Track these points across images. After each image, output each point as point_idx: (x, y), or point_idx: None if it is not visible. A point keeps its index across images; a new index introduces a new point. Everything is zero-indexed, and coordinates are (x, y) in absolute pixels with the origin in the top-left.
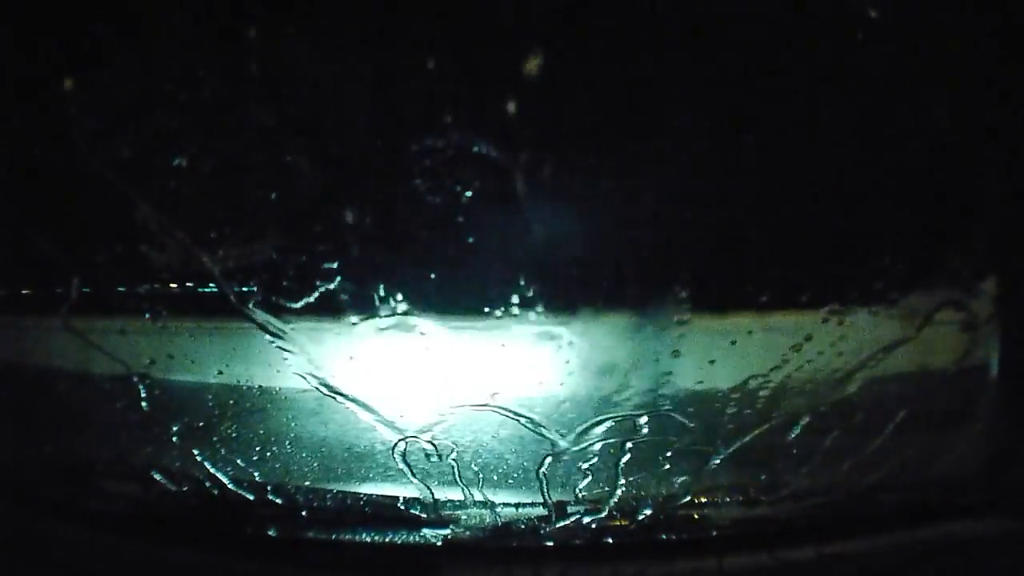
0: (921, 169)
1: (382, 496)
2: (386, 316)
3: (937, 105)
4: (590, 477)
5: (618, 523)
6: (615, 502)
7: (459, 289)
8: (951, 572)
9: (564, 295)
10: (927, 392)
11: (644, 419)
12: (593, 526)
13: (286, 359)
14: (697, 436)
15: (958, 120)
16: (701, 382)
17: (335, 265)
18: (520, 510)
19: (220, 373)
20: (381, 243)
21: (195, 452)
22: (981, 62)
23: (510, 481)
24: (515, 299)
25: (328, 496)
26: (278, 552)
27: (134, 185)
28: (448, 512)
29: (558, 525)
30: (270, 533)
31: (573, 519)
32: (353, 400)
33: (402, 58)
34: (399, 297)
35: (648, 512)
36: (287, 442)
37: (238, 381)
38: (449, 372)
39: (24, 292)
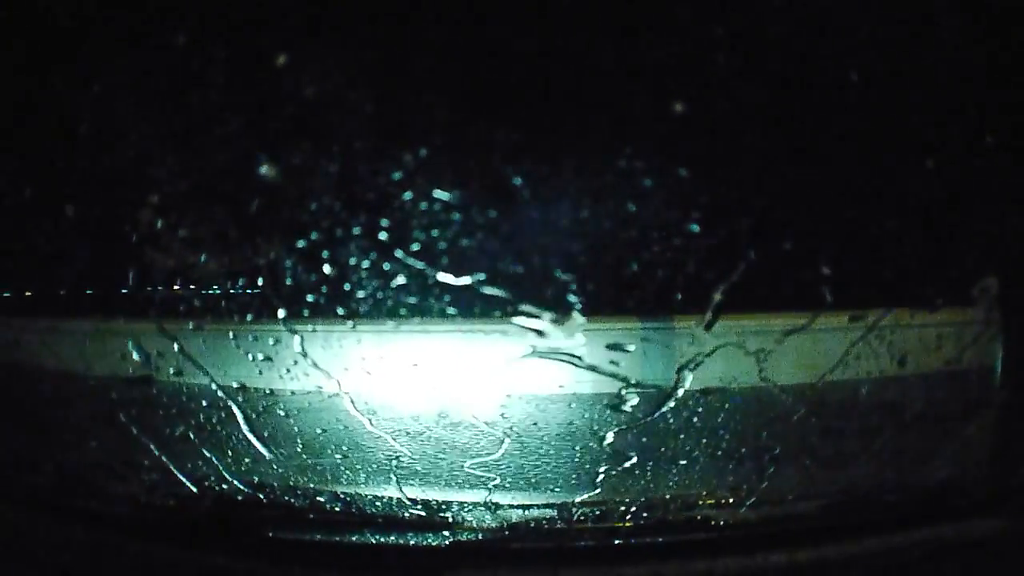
0: (920, 171)
1: (386, 497)
2: (402, 318)
3: (936, 108)
4: (594, 479)
5: (620, 524)
6: (618, 504)
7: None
8: (952, 573)
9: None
10: (928, 393)
11: (646, 420)
12: (596, 528)
13: (296, 362)
14: (699, 436)
15: (957, 122)
16: (702, 382)
17: (339, 267)
18: (524, 512)
19: (225, 375)
20: (391, 247)
21: (199, 453)
22: (979, 65)
23: (514, 483)
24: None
25: (333, 497)
26: (282, 553)
27: (138, 187)
28: (452, 514)
29: (561, 527)
30: (275, 534)
31: (576, 521)
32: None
33: (404, 64)
34: (410, 300)
35: (650, 514)
36: (293, 443)
37: (244, 383)
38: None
39: (26, 293)
